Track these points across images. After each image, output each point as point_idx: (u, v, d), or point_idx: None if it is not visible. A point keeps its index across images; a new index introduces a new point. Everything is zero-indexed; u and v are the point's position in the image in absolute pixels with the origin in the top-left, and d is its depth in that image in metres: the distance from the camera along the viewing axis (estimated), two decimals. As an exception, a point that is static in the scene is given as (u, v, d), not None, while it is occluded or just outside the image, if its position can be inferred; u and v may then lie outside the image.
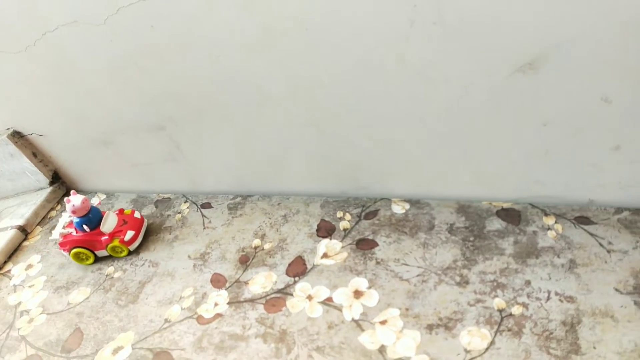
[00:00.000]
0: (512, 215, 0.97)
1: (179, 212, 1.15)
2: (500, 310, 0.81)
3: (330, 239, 0.99)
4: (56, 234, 1.10)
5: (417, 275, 0.89)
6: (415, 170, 1.00)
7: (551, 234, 0.91)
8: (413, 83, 0.86)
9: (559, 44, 0.75)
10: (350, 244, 0.98)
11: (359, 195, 1.09)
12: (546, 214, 0.95)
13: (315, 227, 1.03)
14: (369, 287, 0.88)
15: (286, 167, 1.08)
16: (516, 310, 0.80)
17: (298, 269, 0.94)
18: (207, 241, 1.05)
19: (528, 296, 0.82)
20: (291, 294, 0.90)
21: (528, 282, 0.84)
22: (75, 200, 1.04)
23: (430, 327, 0.80)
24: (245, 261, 0.98)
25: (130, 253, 1.09)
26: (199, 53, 0.91)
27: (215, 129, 1.04)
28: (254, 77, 0.92)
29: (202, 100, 0.99)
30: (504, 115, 0.86)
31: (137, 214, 1.13)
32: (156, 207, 1.20)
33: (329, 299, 0.88)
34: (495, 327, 0.79)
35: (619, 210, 0.93)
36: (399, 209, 1.03)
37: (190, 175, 1.16)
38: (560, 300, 0.80)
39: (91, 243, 1.07)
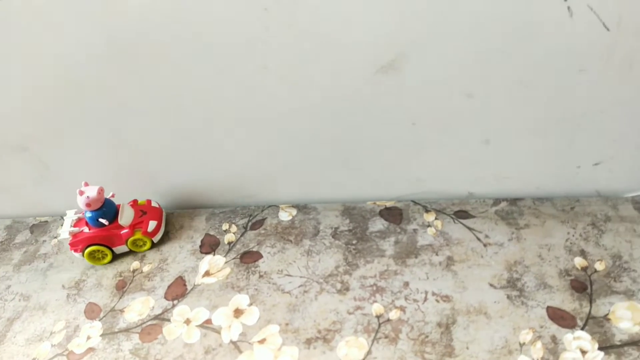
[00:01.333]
0: (394, 214, 0.95)
1: (55, 237, 1.07)
2: (378, 316, 0.79)
3: (214, 254, 0.95)
4: (64, 233, 0.95)
5: (299, 286, 0.86)
6: (298, 175, 0.97)
7: (431, 231, 0.91)
8: (277, 87, 0.82)
9: (415, 43, 0.73)
10: (234, 258, 0.93)
11: (247, 204, 1.05)
12: (427, 210, 0.95)
13: (198, 243, 0.98)
14: (250, 304, 0.85)
15: (168, 180, 1.02)
16: (394, 314, 0.79)
17: (177, 290, 0.89)
18: (83, 267, 0.98)
19: (406, 298, 0.81)
20: (168, 320, 0.85)
21: (406, 284, 0.83)
22: (89, 191, 0.89)
23: (309, 342, 0.78)
24: (123, 287, 0.92)
25: (152, 246, 0.98)
26: (48, 68, 0.83)
27: (82, 146, 0.96)
28: (111, 89, 0.85)
29: (59, 117, 0.91)
30: (372, 116, 0.84)
31: (154, 203, 1.02)
32: (31, 232, 1.11)
33: (208, 321, 0.83)
34: (373, 334, 0.77)
35: (497, 201, 0.94)
36: (286, 215, 1.00)
37: (67, 196, 1.08)
38: (437, 301, 0.80)
39: (109, 238, 0.95)
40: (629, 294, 0.76)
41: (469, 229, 0.90)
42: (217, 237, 0.98)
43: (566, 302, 0.76)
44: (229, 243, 0.96)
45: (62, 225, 1.00)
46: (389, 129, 0.86)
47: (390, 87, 0.79)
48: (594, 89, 0.75)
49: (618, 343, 0.70)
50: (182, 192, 1.04)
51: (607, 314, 0.74)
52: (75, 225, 0.97)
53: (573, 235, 0.85)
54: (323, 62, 0.77)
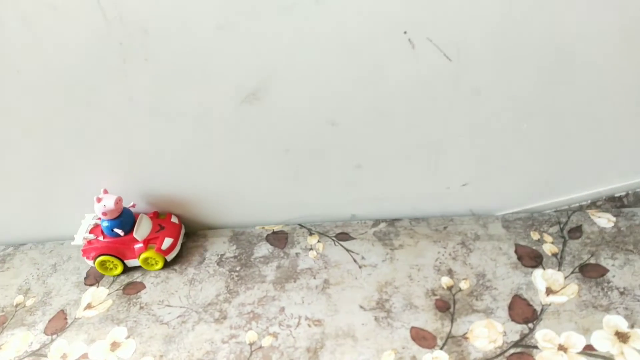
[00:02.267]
0: (279, 239, 0.97)
1: None
2: (251, 344, 0.80)
3: (98, 286, 0.94)
4: (79, 238, 0.92)
5: (178, 317, 0.86)
6: (187, 202, 0.98)
7: (312, 254, 0.92)
8: (148, 119, 0.82)
9: (275, 75, 0.75)
10: (117, 289, 0.93)
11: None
12: (311, 234, 0.97)
13: (84, 274, 0.97)
14: (128, 337, 0.84)
15: (55, 208, 1.01)
16: (266, 341, 0.80)
17: (58, 325, 0.88)
18: (-35, 304, 0.95)
19: (280, 324, 0.82)
20: (45, 355, 0.84)
21: (282, 309, 0.84)
22: (107, 200, 0.87)
23: (181, 373, 0.78)
24: (3, 322, 0.90)
25: (166, 265, 0.95)
26: None
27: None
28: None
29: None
30: (244, 145, 0.85)
31: (174, 219, 0.97)
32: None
33: (85, 356, 0.83)
34: (244, 363, 0.78)
35: (376, 222, 0.97)
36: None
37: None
38: (309, 325, 0.81)
39: (121, 250, 0.92)
40: (488, 312, 0.79)
41: (348, 250, 0.92)
42: (104, 267, 0.97)
43: (429, 322, 0.79)
44: (114, 274, 0.96)
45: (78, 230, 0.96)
46: (265, 156, 0.87)
47: (258, 117, 0.81)
48: (446, 116, 0.79)
49: (472, 361, 0.73)
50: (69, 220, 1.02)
51: (466, 333, 0.77)
52: (91, 232, 0.94)
53: (443, 255, 0.88)
54: (188, 93, 0.78)
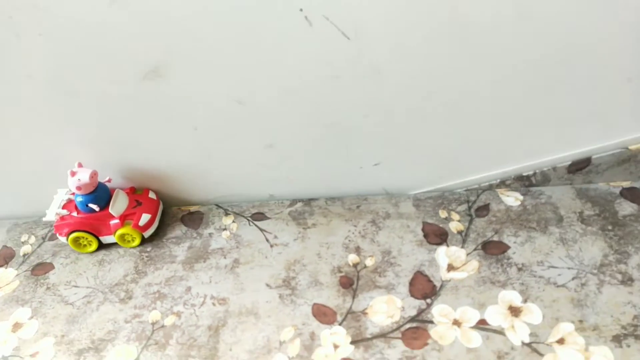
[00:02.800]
0: (194, 219, 0.96)
1: None
2: (153, 323, 0.79)
3: (6, 267, 0.92)
4: (51, 214, 0.88)
5: (84, 297, 0.85)
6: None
7: (225, 234, 0.92)
8: (48, 95, 0.80)
9: (176, 51, 0.74)
10: (26, 270, 0.91)
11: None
12: (227, 214, 0.96)
13: (-7, 255, 0.95)
14: (31, 317, 0.83)
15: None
16: (169, 320, 0.79)
17: (-40, 306, 0.86)
18: None
19: (184, 304, 0.82)
20: (-56, 337, 0.82)
21: (189, 289, 0.84)
22: (82, 174, 0.83)
23: (80, 352, 0.77)
24: None
25: (143, 242, 0.92)
26: None
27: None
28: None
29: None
30: (152, 122, 0.84)
31: (151, 194, 0.94)
32: None
33: (-15, 337, 0.81)
34: (144, 342, 0.77)
35: (293, 202, 0.97)
36: (89, 224, 0.98)
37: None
38: (214, 304, 0.81)
39: (96, 227, 0.88)
40: (389, 288, 0.80)
41: (261, 230, 0.92)
42: (14, 249, 0.96)
43: (332, 298, 0.79)
44: (24, 255, 0.94)
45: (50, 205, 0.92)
46: (174, 134, 0.86)
47: (162, 94, 0.80)
48: (351, 94, 0.79)
49: (369, 336, 0.74)
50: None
51: (366, 309, 0.77)
52: (64, 207, 0.90)
53: (353, 233, 0.88)
54: (87, 70, 0.76)
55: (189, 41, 0.73)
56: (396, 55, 0.74)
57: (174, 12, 0.70)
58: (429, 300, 0.77)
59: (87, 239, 0.90)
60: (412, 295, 0.78)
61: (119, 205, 0.89)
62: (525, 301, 0.75)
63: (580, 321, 0.72)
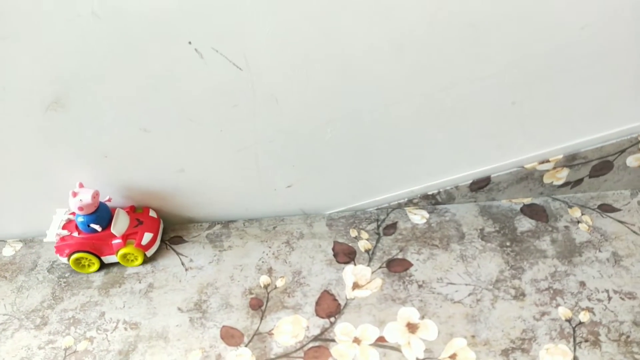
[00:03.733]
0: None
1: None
2: (66, 349, 0.81)
3: None
4: (51, 235, 0.87)
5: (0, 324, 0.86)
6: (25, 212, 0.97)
7: (137, 262, 0.93)
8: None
9: (72, 82, 0.75)
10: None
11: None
12: (146, 238, 0.98)
13: None
14: (-56, 348, 0.83)
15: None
16: (81, 346, 0.81)
17: None
18: None
19: (97, 329, 0.83)
20: None
21: (103, 314, 0.85)
22: (84, 195, 0.82)
23: (-10, 382, 0.78)
24: None
25: (145, 261, 0.92)
26: None
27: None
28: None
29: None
30: (57, 152, 0.85)
31: (152, 213, 0.94)
32: None
33: None
34: (54, 369, 0.78)
35: (212, 224, 0.99)
36: (10, 250, 0.99)
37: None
38: (125, 329, 0.83)
39: (98, 247, 0.88)
40: (296, 308, 0.82)
41: (178, 254, 0.94)
42: None
43: (240, 320, 0.82)
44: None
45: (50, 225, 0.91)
46: (87, 161, 0.87)
47: (66, 123, 0.81)
48: (254, 122, 0.81)
49: (273, 357, 0.77)
50: None
51: (272, 329, 0.80)
52: (64, 227, 0.89)
53: (267, 254, 0.91)
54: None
55: (84, 71, 0.74)
56: (289, 84, 0.77)
57: (65, 44, 0.71)
58: (332, 319, 0.80)
59: (88, 259, 0.90)
60: (318, 315, 0.81)
61: (120, 224, 0.89)
62: (422, 317, 0.78)
63: (473, 336, 0.75)
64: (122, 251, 0.89)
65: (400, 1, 0.68)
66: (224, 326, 0.81)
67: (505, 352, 0.73)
